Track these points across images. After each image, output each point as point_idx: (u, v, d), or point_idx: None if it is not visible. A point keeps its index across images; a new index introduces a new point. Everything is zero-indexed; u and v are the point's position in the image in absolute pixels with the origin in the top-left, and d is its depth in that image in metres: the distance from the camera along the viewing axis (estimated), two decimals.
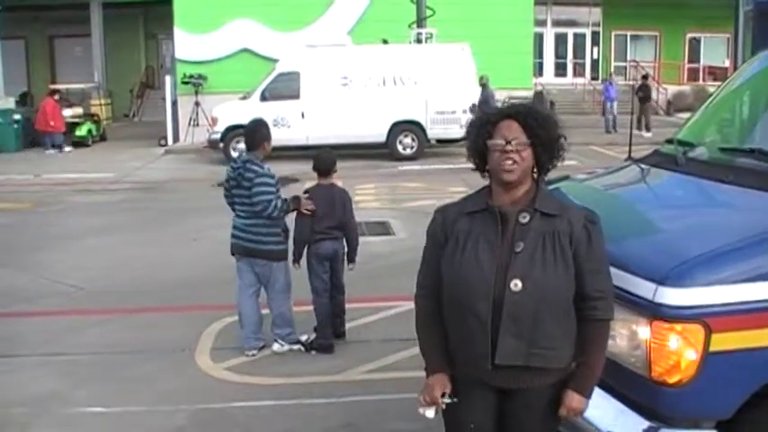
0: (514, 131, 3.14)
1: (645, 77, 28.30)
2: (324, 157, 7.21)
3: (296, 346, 7.09)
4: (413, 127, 21.61)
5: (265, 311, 7.16)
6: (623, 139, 22.25)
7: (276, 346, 7.07)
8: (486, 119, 3.24)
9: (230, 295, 8.54)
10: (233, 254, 7.09)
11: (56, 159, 22.95)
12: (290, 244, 7.05)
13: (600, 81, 32.20)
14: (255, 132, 6.97)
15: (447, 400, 3.22)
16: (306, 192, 7.12)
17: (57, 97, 25.68)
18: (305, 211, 6.93)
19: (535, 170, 3.22)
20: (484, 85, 19.53)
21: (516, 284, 3.05)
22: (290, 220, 7.05)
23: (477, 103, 19.42)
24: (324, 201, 6.99)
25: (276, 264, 6.96)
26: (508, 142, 3.11)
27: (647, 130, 25.28)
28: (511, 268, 3.07)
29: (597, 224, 3.18)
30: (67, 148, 24.98)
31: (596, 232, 3.16)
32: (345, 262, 7.25)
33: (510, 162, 3.11)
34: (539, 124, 3.16)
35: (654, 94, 34.51)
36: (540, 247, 3.09)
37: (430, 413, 3.25)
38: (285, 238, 6.99)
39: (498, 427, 3.29)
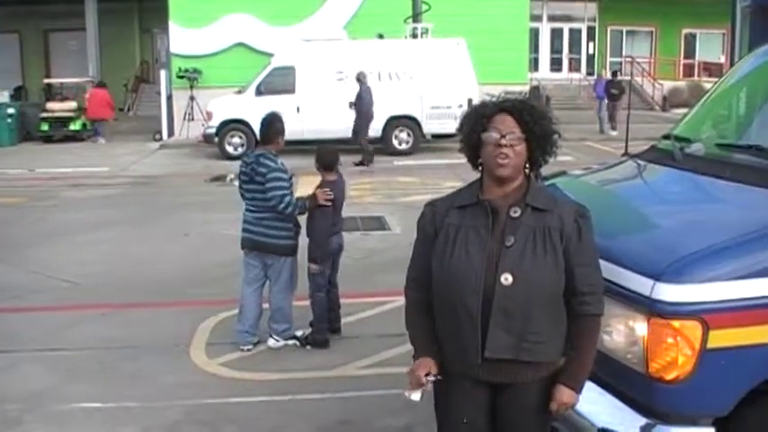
0: (509, 126, 3.13)
1: (615, 74, 27.19)
2: (328, 153, 7.14)
3: (291, 342, 7.08)
4: (408, 122, 21.61)
5: (266, 305, 7.14)
6: (618, 135, 22.34)
7: (271, 342, 7.06)
8: (481, 112, 3.22)
9: (225, 291, 8.54)
10: (242, 248, 7.08)
11: (54, 153, 22.87)
12: (304, 242, 7.04)
13: (595, 76, 31.97)
14: (270, 126, 6.96)
15: (431, 379, 3.20)
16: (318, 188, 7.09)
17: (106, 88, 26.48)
18: (325, 203, 6.87)
19: (527, 165, 3.21)
20: (360, 81, 19.51)
21: (506, 278, 3.05)
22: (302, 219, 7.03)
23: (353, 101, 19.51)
24: (336, 196, 6.97)
25: (284, 258, 6.94)
26: (503, 136, 3.10)
27: (613, 128, 25.05)
28: (501, 262, 3.07)
29: (588, 219, 3.18)
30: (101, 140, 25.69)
31: (587, 227, 3.16)
32: None
33: (503, 156, 3.10)
34: (533, 119, 3.15)
35: (649, 90, 34.64)
36: (531, 241, 3.09)
37: (416, 396, 3.23)
38: (296, 234, 6.97)
39: (491, 422, 3.29)
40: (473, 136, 3.21)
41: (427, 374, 3.20)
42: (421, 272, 3.29)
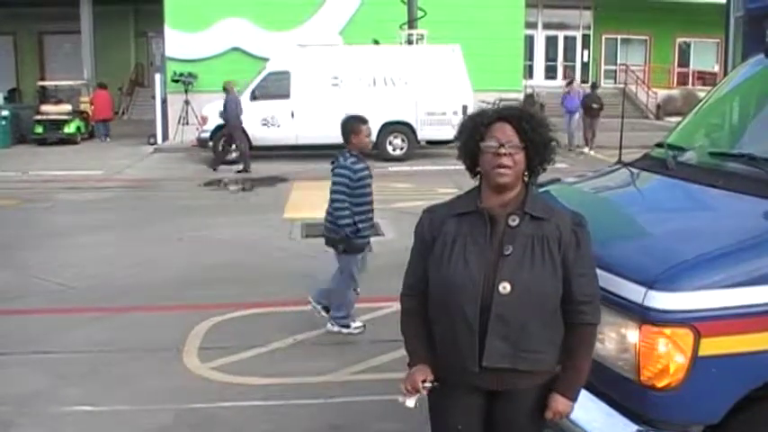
0: (508, 134, 3.12)
1: (594, 86, 25.24)
2: None
3: (345, 330, 7.42)
4: (403, 128, 21.65)
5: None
6: (607, 143, 22.26)
7: (329, 325, 7.48)
8: (480, 120, 3.21)
9: (218, 295, 8.57)
10: None
11: (48, 155, 22.84)
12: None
13: (589, 84, 31.71)
14: (342, 127, 7.33)
15: (428, 385, 3.20)
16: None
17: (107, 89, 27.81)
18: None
19: (525, 173, 3.21)
20: (227, 90, 19.70)
21: (505, 287, 3.04)
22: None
23: (222, 109, 19.76)
24: None
25: (342, 252, 7.31)
26: (501, 145, 3.10)
27: (590, 145, 23.17)
28: (499, 271, 3.06)
29: (585, 228, 3.18)
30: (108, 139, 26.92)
31: (584, 236, 3.16)
32: None
33: (503, 165, 3.10)
34: (532, 127, 3.15)
35: (643, 98, 34.73)
36: (529, 250, 3.08)
37: (410, 402, 3.22)
38: (354, 232, 7.14)
39: (486, 429, 3.29)
40: (471, 144, 3.21)
41: (424, 381, 3.20)
42: (417, 279, 3.28)
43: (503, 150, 3.09)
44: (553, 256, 3.09)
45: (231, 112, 19.50)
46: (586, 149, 22.98)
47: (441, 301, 3.17)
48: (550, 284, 3.08)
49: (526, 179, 3.22)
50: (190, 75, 25.92)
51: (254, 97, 21.03)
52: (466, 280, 3.08)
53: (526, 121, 3.15)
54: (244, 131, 20.83)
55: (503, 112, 3.20)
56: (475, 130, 3.21)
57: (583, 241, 3.14)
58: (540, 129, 3.17)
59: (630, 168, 5.06)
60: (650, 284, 3.33)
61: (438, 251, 3.18)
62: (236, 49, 26.65)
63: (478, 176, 3.26)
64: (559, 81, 36.43)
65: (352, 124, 7.23)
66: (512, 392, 3.18)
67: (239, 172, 19.26)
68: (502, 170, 3.10)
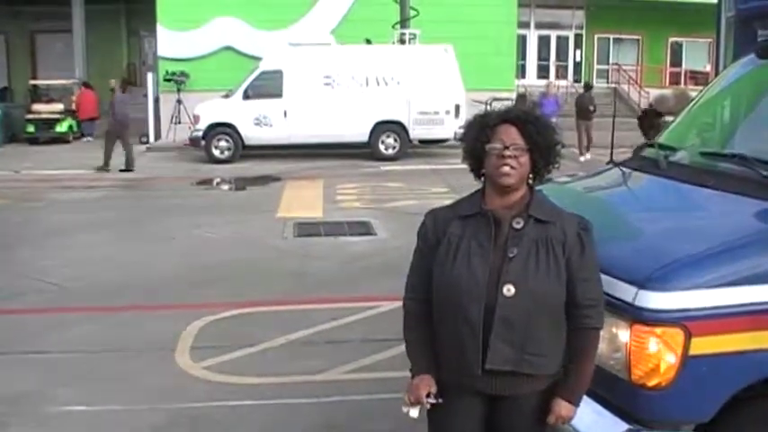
0: (513, 136, 3.12)
1: (588, 87, 23.33)
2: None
3: None
4: (395, 127, 21.66)
5: None
6: (599, 142, 22.27)
7: None
8: (485, 122, 3.21)
9: (210, 294, 8.56)
10: None
11: (40, 155, 22.79)
12: None
13: (581, 84, 31.34)
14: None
15: (432, 400, 3.19)
16: None
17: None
18: None
19: (530, 176, 3.20)
20: (114, 90, 19.90)
21: (509, 290, 3.03)
22: None
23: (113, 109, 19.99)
24: None
25: None
26: (506, 147, 3.10)
27: (587, 150, 21.47)
28: (504, 274, 3.05)
29: (590, 232, 3.17)
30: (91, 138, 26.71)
31: (589, 240, 3.15)
32: None
33: (508, 167, 3.09)
34: (537, 130, 3.14)
35: (636, 98, 34.79)
36: (534, 253, 3.08)
37: (414, 413, 3.21)
38: None
39: None
40: (477, 146, 3.20)
41: (428, 395, 3.18)
42: (421, 281, 3.26)
43: (507, 152, 3.08)
44: (558, 260, 3.08)
45: (119, 111, 19.70)
46: (582, 158, 21.02)
47: (444, 303, 3.16)
48: (555, 288, 3.07)
49: (531, 182, 3.22)
50: (182, 74, 25.92)
51: (246, 96, 21.05)
52: (470, 282, 3.07)
53: (531, 123, 3.15)
54: (235, 129, 20.86)
55: (508, 114, 3.20)
56: (480, 132, 3.20)
57: (587, 245, 3.14)
58: (545, 131, 3.17)
59: (622, 168, 5.07)
60: (641, 284, 3.34)
61: (442, 253, 3.17)
62: (228, 48, 26.64)
63: (482, 178, 3.25)
64: (552, 80, 36.54)
65: None
66: (513, 397, 3.17)
67: (122, 171, 19.20)
68: (506, 169, 3.10)
